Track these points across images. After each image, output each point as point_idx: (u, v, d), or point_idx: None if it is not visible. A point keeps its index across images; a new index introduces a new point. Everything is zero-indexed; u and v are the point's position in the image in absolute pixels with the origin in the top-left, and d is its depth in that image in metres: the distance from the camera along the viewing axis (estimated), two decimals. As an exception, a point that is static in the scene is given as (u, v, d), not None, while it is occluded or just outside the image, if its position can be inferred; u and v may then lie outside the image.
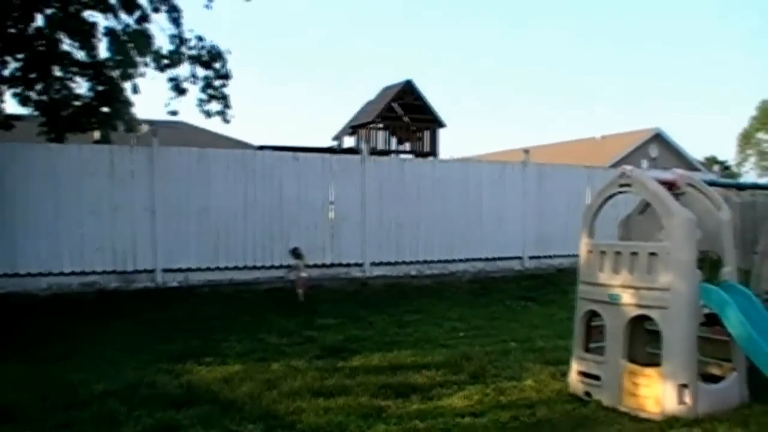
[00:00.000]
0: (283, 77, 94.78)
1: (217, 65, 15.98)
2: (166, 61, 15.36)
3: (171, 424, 6.17)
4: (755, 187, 10.57)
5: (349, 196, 15.34)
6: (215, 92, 16.17)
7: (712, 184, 8.15)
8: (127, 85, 15.26)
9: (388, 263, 15.74)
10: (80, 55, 14.96)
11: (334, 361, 8.64)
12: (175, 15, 15.41)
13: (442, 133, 27.41)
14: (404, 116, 26.88)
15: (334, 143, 28.59)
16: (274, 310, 12.27)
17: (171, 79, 15.76)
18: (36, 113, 14.94)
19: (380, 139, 26.46)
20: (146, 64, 15.28)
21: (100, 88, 15.06)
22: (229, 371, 8.05)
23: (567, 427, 6.20)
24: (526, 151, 17.86)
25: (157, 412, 6.47)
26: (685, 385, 6.37)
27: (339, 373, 8.01)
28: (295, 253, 13.58)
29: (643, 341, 7.39)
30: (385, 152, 25.16)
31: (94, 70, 14.96)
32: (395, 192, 15.81)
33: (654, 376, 6.57)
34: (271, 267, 14.13)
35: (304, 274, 13.52)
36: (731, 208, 7.55)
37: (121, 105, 15.27)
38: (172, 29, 15.53)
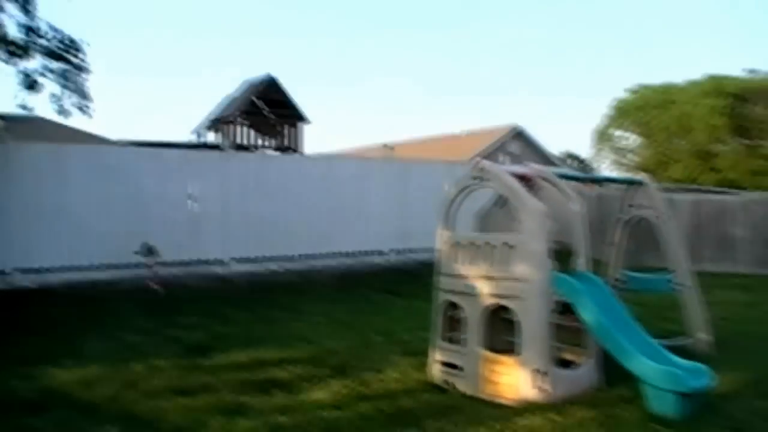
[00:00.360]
0: (140, 70, 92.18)
1: (74, 58, 15.42)
2: (15, 50, 14.69)
3: (27, 429, 5.99)
4: (607, 180, 11.02)
5: (211, 191, 15.11)
6: (73, 86, 15.59)
7: (565, 177, 8.46)
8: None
9: (252, 259, 15.62)
10: None
11: (196, 359, 8.52)
12: (26, 3, 14.77)
13: (307, 129, 27.44)
14: (266, 111, 26.72)
15: (194, 137, 28.08)
16: (134, 309, 11.92)
17: (23, 73, 15.11)
18: None
19: (242, 134, 26.24)
20: (-5, 55, 14.59)
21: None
22: (87, 373, 7.81)
23: (428, 416, 6.31)
24: (389, 146, 18.07)
25: (12, 417, 6.27)
26: (540, 371, 6.60)
27: (201, 371, 7.93)
28: (148, 249, 13.35)
29: (502, 330, 7.61)
30: (248, 147, 24.96)
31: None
32: (258, 188, 15.70)
33: (511, 363, 6.79)
34: (133, 266, 13.72)
35: (157, 270, 13.34)
36: (585, 201, 7.86)
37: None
38: (22, 18, 14.88)
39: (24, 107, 15.28)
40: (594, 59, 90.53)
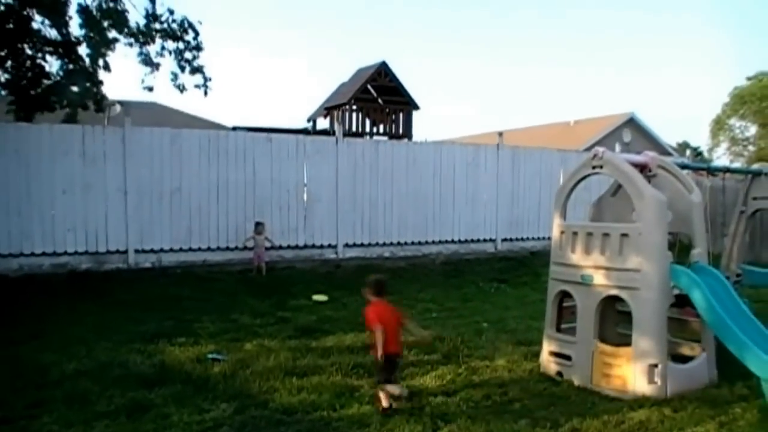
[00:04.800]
0: (258, 59, 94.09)
1: (188, 37, 15.78)
2: (141, 39, 15.15)
3: (143, 403, 6.18)
4: (726, 170, 10.61)
5: (323, 177, 15.26)
6: (188, 65, 15.99)
7: (683, 167, 8.22)
8: (98, 63, 15.04)
9: (362, 245, 15.71)
10: (51, 33, 14.74)
11: (307, 341, 8.68)
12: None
13: (416, 116, 27.42)
14: (378, 98, 26.79)
15: (309, 125, 28.39)
16: (247, 291, 12.22)
17: (141, 54, 15.58)
18: (4, 92, 14.72)
19: (354, 120, 26.41)
20: (116, 41, 15.06)
21: (71, 66, 14.84)
22: (202, 351, 8.05)
23: (538, 406, 6.26)
24: (500, 133, 17.83)
25: (129, 391, 6.49)
26: (655, 365, 6.45)
27: (312, 353, 8.05)
28: (257, 227, 13.71)
29: (614, 322, 7.47)
30: (359, 134, 25.08)
31: (64, 48, 14.73)
32: (369, 174, 15.77)
33: (624, 356, 6.65)
34: (245, 248, 14.03)
35: (263, 249, 13.73)
36: (702, 191, 7.61)
37: (92, 84, 15.05)
38: (146, 5, 15.34)
39: (150, 89, 15.73)
40: (713, 45, 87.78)
